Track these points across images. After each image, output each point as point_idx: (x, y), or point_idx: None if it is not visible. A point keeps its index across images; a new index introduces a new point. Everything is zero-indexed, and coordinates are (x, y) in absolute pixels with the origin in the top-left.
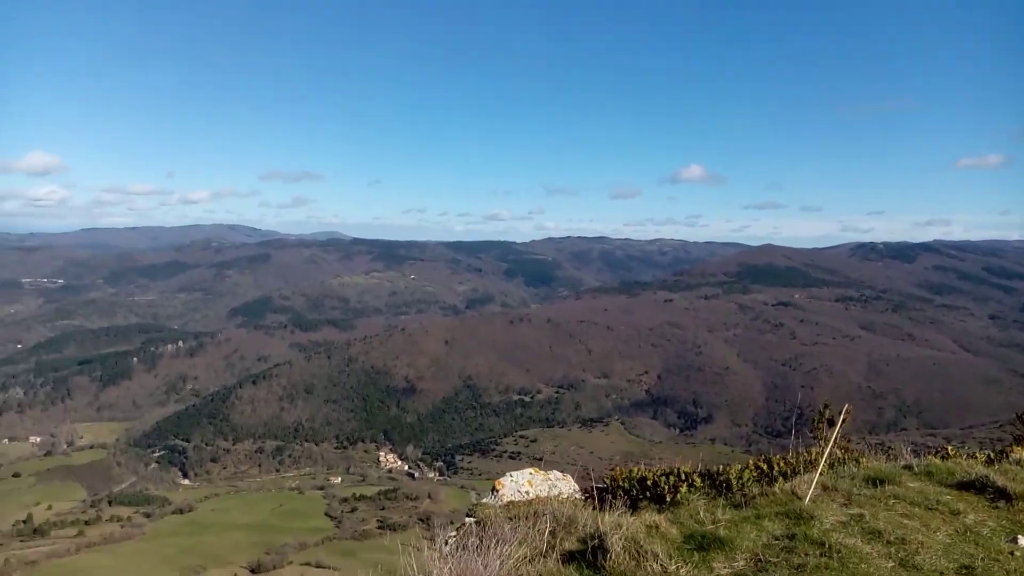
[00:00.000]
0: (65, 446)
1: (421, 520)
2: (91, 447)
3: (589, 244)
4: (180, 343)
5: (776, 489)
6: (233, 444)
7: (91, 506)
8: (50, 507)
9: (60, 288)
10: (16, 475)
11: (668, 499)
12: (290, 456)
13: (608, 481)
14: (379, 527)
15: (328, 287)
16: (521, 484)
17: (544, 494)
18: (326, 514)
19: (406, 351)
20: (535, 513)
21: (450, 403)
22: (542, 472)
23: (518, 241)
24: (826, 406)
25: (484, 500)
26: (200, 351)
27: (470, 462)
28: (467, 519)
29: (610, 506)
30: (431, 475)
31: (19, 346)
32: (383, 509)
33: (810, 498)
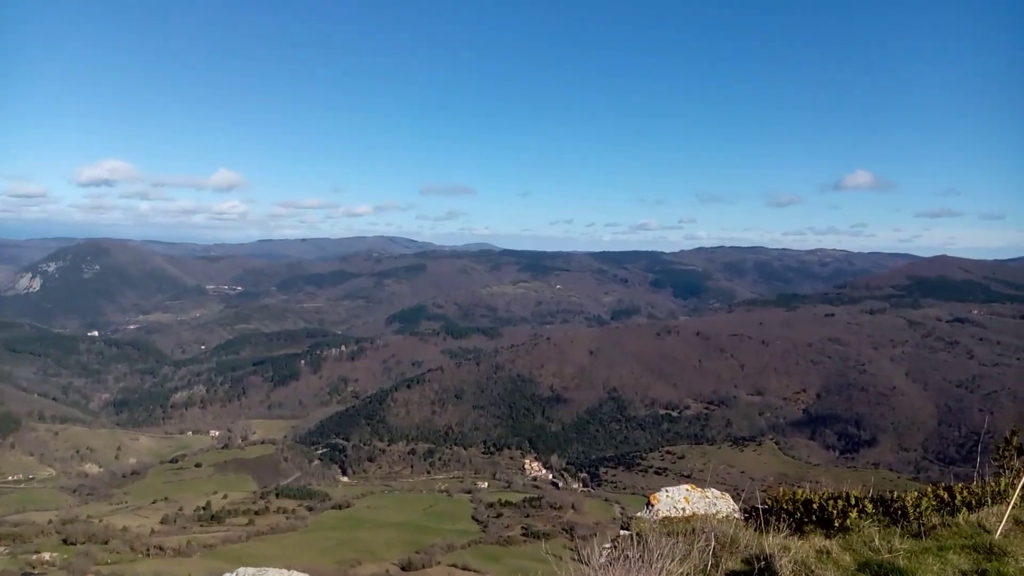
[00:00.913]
0: (240, 440)
1: (565, 530)
2: (262, 442)
3: (743, 254)
4: (343, 347)
5: (960, 520)
6: (388, 445)
7: (261, 497)
8: (225, 496)
9: (238, 294)
10: (198, 465)
11: (836, 524)
12: (440, 459)
13: (770, 502)
14: (523, 534)
15: (478, 296)
16: (677, 500)
17: (701, 511)
18: (473, 517)
19: (551, 360)
20: (693, 530)
21: (594, 414)
22: (699, 489)
23: (666, 251)
24: (1014, 433)
25: (639, 514)
26: (360, 355)
27: (614, 475)
28: (622, 532)
29: (773, 528)
30: (575, 486)
31: (203, 347)
32: (527, 516)
33: (1001, 532)
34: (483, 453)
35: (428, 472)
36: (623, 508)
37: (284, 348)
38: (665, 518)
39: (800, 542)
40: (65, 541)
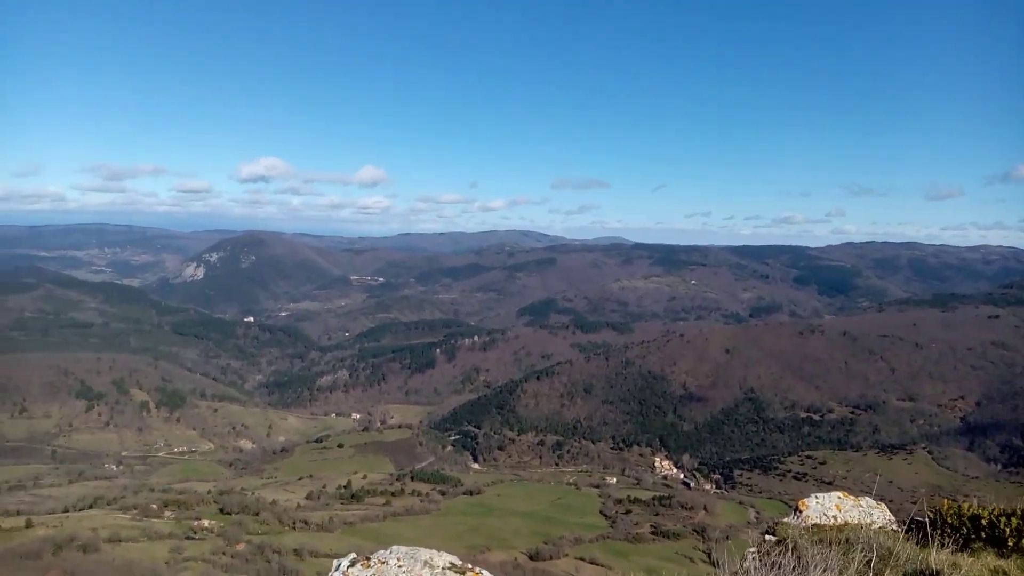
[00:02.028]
0: (378, 424)
1: (696, 531)
2: (399, 426)
3: (896, 250)
4: (476, 338)
5: None
6: (518, 435)
7: (397, 479)
8: (365, 476)
9: (380, 285)
10: (340, 446)
11: (1011, 544)
12: (568, 452)
13: (931, 515)
14: (652, 532)
15: (608, 290)
16: (828, 507)
17: (854, 520)
18: (601, 512)
19: (685, 358)
20: (847, 540)
21: (729, 415)
22: (852, 497)
23: (811, 246)
24: None
25: (785, 520)
26: (492, 346)
27: (749, 478)
28: (767, 537)
29: (937, 543)
30: (707, 487)
31: (347, 334)
32: (657, 515)
33: None
34: (612, 448)
35: (556, 464)
36: (758, 512)
37: (421, 337)
38: (815, 525)
39: (970, 560)
40: (222, 510)
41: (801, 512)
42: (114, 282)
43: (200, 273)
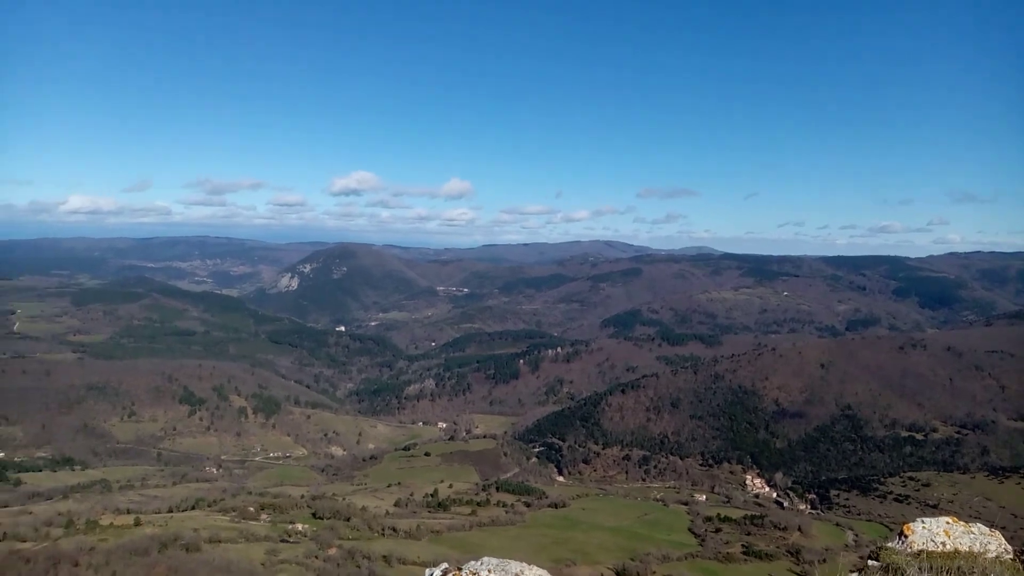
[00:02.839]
0: (464, 433)
1: (790, 552)
2: (484, 436)
3: (1006, 260)
4: (559, 349)
5: None
6: (603, 448)
7: (482, 489)
8: (451, 485)
9: (465, 296)
10: (427, 454)
11: None
12: (655, 467)
13: None
14: (744, 552)
15: (696, 302)
16: (935, 533)
17: (965, 548)
18: (689, 530)
19: (777, 372)
20: (959, 570)
21: (825, 432)
22: (962, 523)
23: (911, 256)
24: None
25: (889, 544)
26: (576, 357)
27: (847, 499)
28: (870, 562)
29: None
30: (802, 507)
31: (433, 344)
32: (748, 534)
33: None
34: (701, 465)
35: (643, 479)
36: (857, 535)
37: (505, 348)
38: (921, 551)
39: None
40: (315, 515)
41: (906, 537)
42: (215, 292)
43: (295, 284)
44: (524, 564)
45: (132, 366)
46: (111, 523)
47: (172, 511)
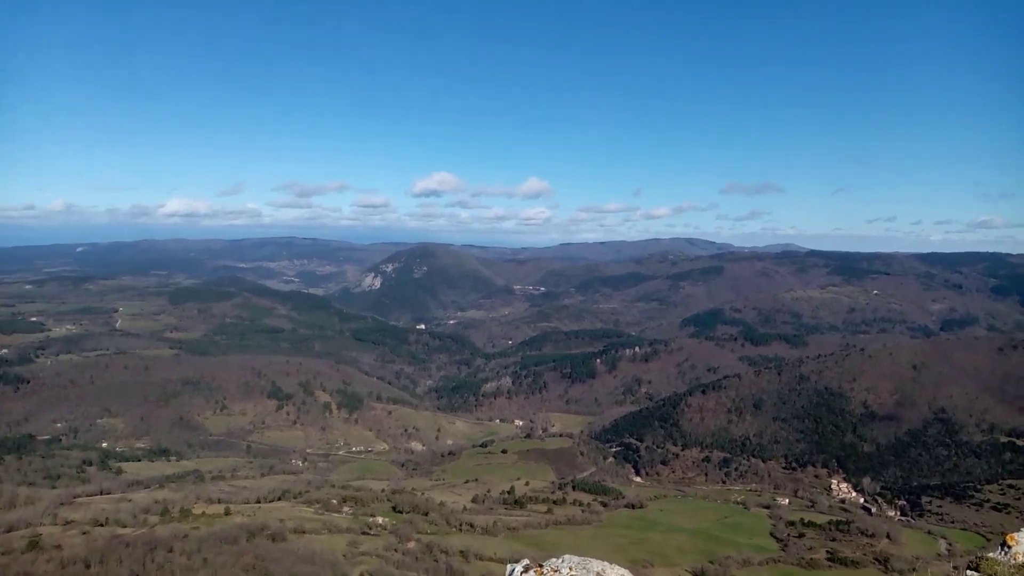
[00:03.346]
0: (540, 432)
1: (877, 560)
2: (560, 435)
3: None
4: (637, 348)
5: None
6: (681, 449)
7: (559, 488)
8: (527, 483)
9: (541, 295)
10: (504, 451)
11: None
12: (736, 469)
13: None
14: (828, 559)
15: (780, 301)
16: None
17: None
18: (771, 534)
19: (866, 374)
20: None
21: (916, 437)
22: None
23: (1014, 252)
24: None
25: (990, 555)
26: (654, 357)
27: (940, 506)
28: (969, 572)
29: None
30: (891, 513)
31: (510, 342)
32: (833, 540)
33: None
34: (783, 468)
35: (723, 482)
36: (951, 544)
37: (581, 347)
38: None
39: None
40: (394, 508)
41: (1010, 547)
42: (301, 291)
43: (377, 283)
44: (605, 563)
45: (224, 362)
46: (203, 512)
47: (260, 502)
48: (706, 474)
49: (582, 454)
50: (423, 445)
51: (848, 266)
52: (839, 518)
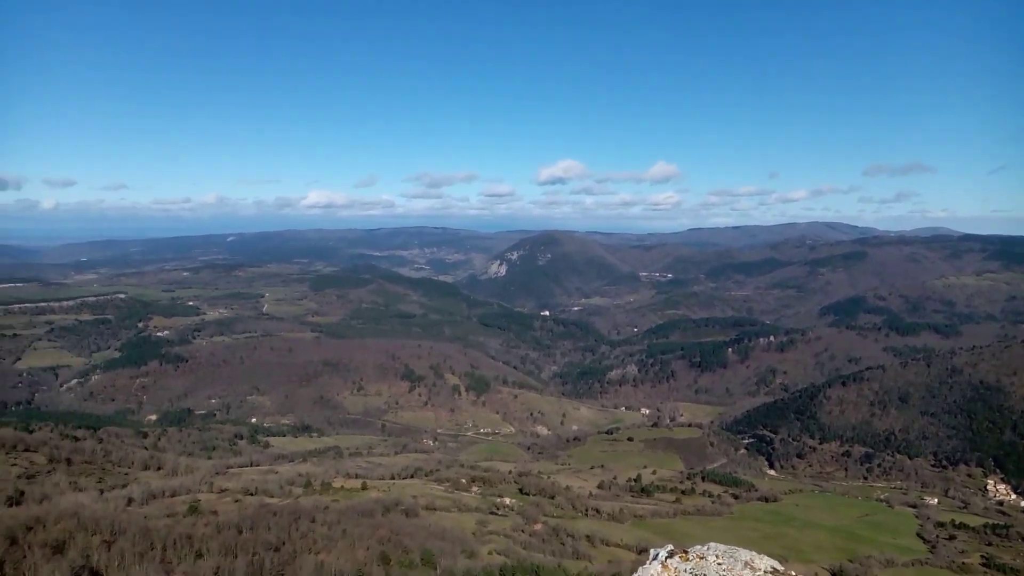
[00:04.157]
0: (668, 421)
1: None
2: (688, 425)
3: None
4: (771, 338)
5: None
6: (819, 443)
7: (687, 478)
8: (654, 472)
9: (669, 281)
10: (630, 439)
11: None
12: (879, 465)
13: None
14: (983, 564)
15: (930, 288)
16: None
17: None
18: (918, 535)
19: None
20: None
21: None
22: None
23: None
24: None
25: None
26: (790, 347)
27: None
28: None
29: None
30: None
31: (635, 330)
32: (990, 544)
33: None
34: (932, 466)
35: (864, 478)
36: None
37: (711, 335)
38: None
39: None
40: (521, 491)
41: None
42: (431, 278)
43: (503, 270)
44: (754, 553)
45: (360, 345)
46: (342, 486)
47: (394, 478)
48: (846, 469)
49: (712, 444)
50: (548, 429)
51: (1008, 250)
52: (996, 521)
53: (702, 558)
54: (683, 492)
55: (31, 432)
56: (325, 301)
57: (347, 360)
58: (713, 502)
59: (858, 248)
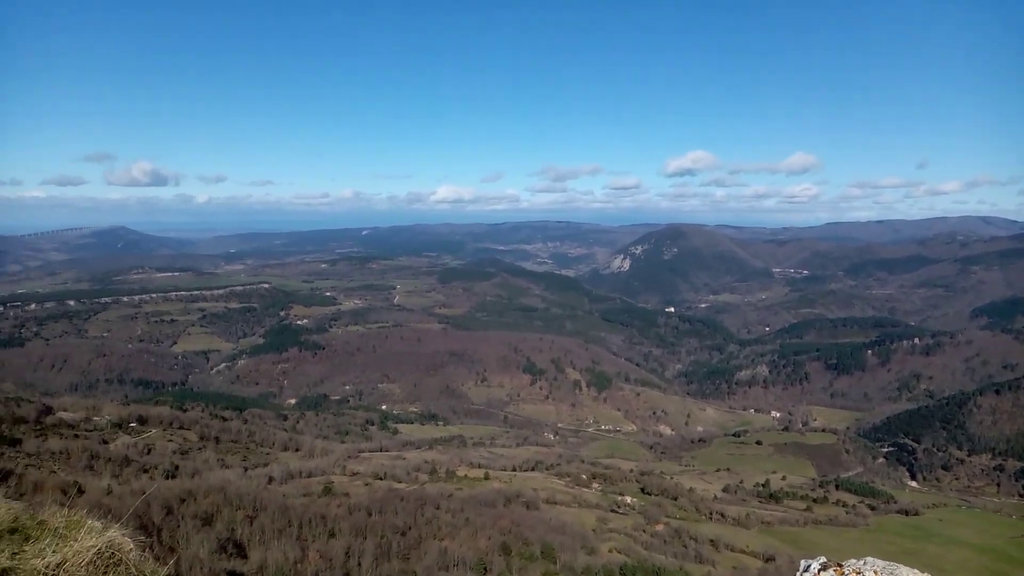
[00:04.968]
0: (799, 425)
1: None
2: (822, 430)
3: None
4: (916, 340)
5: None
6: (968, 455)
7: (820, 485)
8: (784, 477)
9: (804, 278)
10: (758, 443)
11: None
12: None
13: None
14: None
15: None
16: None
17: None
18: None
19: None
20: None
21: None
22: None
23: None
24: None
25: None
26: (937, 350)
27: None
28: None
29: None
30: None
31: (767, 329)
32: None
33: None
34: None
35: (1020, 495)
36: None
37: (849, 336)
38: None
39: None
40: (643, 490)
41: None
42: (554, 272)
43: (626, 265)
44: (916, 571)
45: (484, 337)
46: (465, 475)
47: (515, 470)
48: (998, 484)
49: (847, 452)
50: (672, 429)
51: None
52: None
53: (858, 573)
54: (814, 500)
55: (184, 411)
56: (452, 293)
57: (472, 351)
58: (848, 512)
59: (1018, 245)
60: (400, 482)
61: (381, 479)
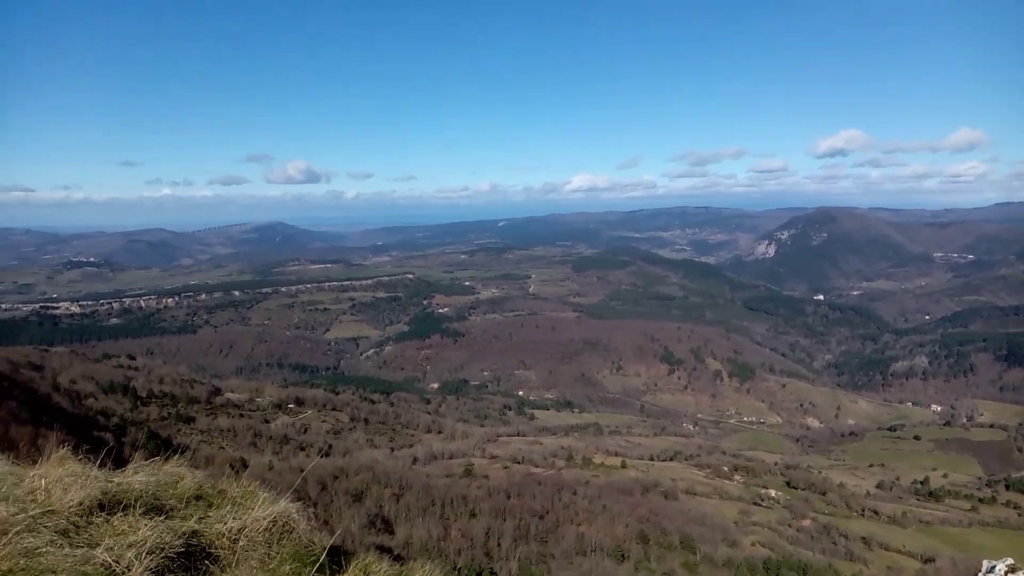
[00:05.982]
0: (964, 420)
1: None
2: (990, 426)
3: None
4: None
5: None
6: None
7: (987, 485)
8: (945, 475)
9: (969, 263)
10: (916, 438)
11: None
12: None
13: None
14: None
15: None
16: None
17: None
18: None
19: None
20: None
21: None
22: None
23: None
24: None
25: None
26: None
27: None
28: None
29: None
30: None
31: (927, 317)
32: None
33: None
34: None
35: None
36: None
37: (1021, 325)
38: None
39: None
40: (788, 484)
41: None
42: (692, 260)
43: (771, 251)
44: None
45: (619, 326)
46: (602, 462)
47: (653, 459)
48: None
49: (1020, 450)
50: (820, 422)
51: None
52: None
53: None
54: (981, 500)
55: (337, 394)
56: (586, 282)
57: (606, 340)
58: (1021, 515)
59: None
60: (537, 467)
61: (519, 463)
